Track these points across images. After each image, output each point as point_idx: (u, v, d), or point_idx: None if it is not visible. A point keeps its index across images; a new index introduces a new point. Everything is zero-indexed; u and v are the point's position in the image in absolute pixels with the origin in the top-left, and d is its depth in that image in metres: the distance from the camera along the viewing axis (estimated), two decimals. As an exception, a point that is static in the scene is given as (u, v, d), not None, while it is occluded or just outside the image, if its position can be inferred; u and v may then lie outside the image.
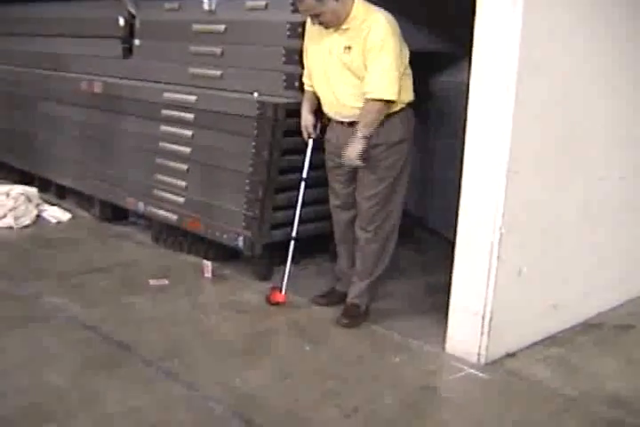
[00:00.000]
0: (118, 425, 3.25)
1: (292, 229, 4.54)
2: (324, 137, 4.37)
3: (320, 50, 4.12)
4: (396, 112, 4.07)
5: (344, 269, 4.57)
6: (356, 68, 3.98)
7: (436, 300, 4.47)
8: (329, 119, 4.30)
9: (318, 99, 4.29)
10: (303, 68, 4.36)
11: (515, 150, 3.60)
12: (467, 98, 3.74)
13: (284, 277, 4.56)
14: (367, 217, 4.25)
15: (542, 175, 3.86)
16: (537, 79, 3.63)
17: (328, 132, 4.34)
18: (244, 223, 4.78)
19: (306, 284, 4.86)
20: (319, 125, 4.41)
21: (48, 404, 3.41)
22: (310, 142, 4.44)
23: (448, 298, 3.98)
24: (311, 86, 4.32)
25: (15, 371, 3.72)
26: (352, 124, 4.09)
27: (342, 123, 4.18)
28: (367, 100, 3.95)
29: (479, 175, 3.72)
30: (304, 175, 4.47)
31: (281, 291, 4.57)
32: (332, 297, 4.59)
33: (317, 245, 5.03)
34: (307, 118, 4.39)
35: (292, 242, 4.56)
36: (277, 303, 4.55)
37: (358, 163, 3.97)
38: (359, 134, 3.94)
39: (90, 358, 3.86)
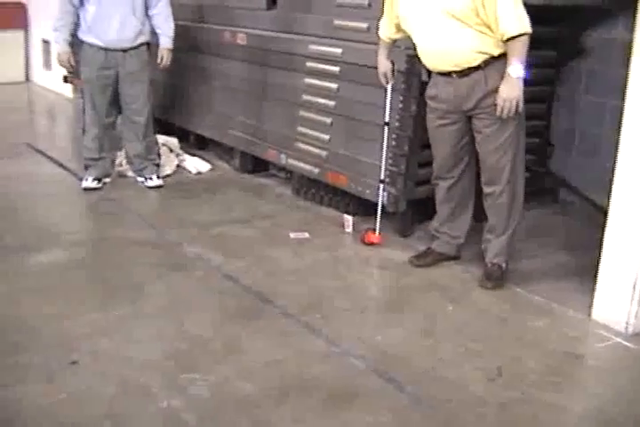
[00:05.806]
0: (260, 376, 3.26)
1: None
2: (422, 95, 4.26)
3: None
4: (504, 54, 3.85)
5: (438, 227, 4.47)
6: (461, 14, 3.77)
7: (580, 263, 4.35)
8: (428, 74, 4.14)
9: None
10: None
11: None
12: (620, 55, 3.55)
13: (376, 217, 4.69)
14: (495, 171, 4.09)
15: None
16: None
17: (429, 90, 4.17)
18: (388, 179, 4.71)
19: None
20: (396, 71, 4.43)
21: (191, 351, 3.46)
22: (389, 88, 4.47)
23: (596, 263, 3.83)
24: (389, 38, 4.29)
25: (159, 317, 3.79)
26: (460, 74, 3.93)
27: (449, 74, 3.99)
28: (509, 40, 3.74)
29: (641, 135, 3.54)
30: (386, 119, 4.55)
31: (374, 231, 4.69)
32: (428, 258, 4.51)
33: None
34: (384, 64, 4.40)
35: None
36: (372, 244, 4.70)
37: (519, 104, 3.81)
38: (513, 75, 3.76)
39: (230, 309, 3.90)
